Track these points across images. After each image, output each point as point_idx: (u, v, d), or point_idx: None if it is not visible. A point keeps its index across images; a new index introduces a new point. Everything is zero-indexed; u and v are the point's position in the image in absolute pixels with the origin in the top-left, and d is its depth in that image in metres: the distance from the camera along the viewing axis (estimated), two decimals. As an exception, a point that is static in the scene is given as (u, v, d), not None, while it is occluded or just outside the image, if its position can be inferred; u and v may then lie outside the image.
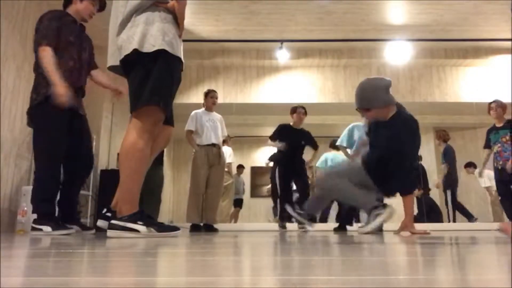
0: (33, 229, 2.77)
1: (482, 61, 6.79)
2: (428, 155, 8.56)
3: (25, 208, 3.77)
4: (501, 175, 4.86)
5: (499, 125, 4.93)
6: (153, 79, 2.08)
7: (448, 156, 6.16)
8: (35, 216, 2.85)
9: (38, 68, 2.89)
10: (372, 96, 2.77)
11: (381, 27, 6.19)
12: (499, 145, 4.89)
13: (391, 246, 1.35)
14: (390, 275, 0.59)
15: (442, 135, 6.23)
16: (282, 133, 5.04)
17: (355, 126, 4.84)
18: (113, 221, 2.05)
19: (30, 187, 4.29)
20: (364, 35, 6.35)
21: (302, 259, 0.86)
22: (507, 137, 4.85)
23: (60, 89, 2.70)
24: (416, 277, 0.57)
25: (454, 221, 6.30)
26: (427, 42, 6.48)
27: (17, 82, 4.49)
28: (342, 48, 6.83)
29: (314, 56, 6.86)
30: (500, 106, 4.91)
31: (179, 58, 2.20)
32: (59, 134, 2.86)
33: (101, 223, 2.49)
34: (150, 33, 2.10)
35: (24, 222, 3.76)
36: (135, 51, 2.08)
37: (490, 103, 5.03)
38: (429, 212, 6.59)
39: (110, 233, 2.02)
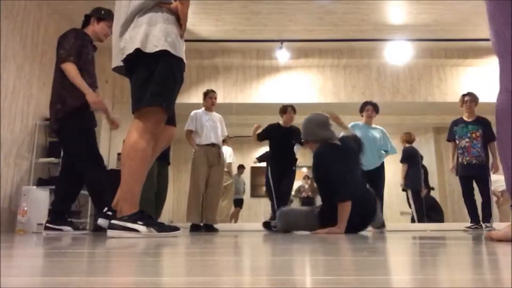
0: (48, 228, 2.93)
1: (482, 61, 6.79)
2: (428, 155, 8.55)
3: (25, 208, 3.78)
4: (466, 171, 4.75)
5: (469, 119, 4.81)
6: (156, 80, 2.09)
7: (403, 157, 6.15)
8: (41, 216, 2.94)
9: (61, 81, 3.07)
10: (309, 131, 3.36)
11: (381, 27, 6.19)
12: (467, 140, 4.75)
13: (391, 246, 1.35)
14: (390, 275, 0.59)
15: (405, 136, 6.25)
16: (271, 132, 5.07)
17: (355, 125, 4.85)
18: (113, 221, 2.05)
19: (30, 187, 4.31)
20: (364, 35, 6.35)
21: (302, 259, 0.86)
22: (478, 133, 4.73)
23: (93, 97, 3.00)
24: (416, 277, 0.57)
25: (419, 221, 6.29)
26: (427, 42, 6.48)
27: (17, 82, 4.49)
28: (342, 48, 6.82)
29: (314, 56, 6.86)
30: (474, 101, 4.83)
31: (182, 59, 2.20)
32: (94, 140, 3.15)
33: (101, 221, 2.49)
34: (153, 34, 2.10)
35: (24, 222, 3.76)
36: (138, 50, 2.09)
37: (464, 95, 4.91)
38: (429, 211, 6.60)
39: (110, 233, 2.02)
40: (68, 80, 3.01)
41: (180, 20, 2.23)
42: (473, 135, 4.76)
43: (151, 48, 2.09)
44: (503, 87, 1.54)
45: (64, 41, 3.09)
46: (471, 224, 4.85)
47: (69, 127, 3.04)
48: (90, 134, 3.14)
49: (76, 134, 3.04)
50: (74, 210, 5.15)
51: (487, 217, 4.72)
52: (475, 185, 4.86)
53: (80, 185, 3.25)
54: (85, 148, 3.04)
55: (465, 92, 5.07)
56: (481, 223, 4.81)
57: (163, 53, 2.10)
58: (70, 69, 2.99)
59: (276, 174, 4.95)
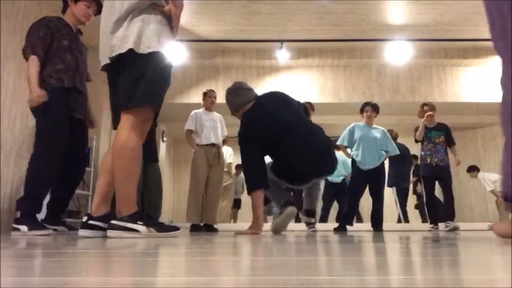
0: (14, 229, 2.68)
1: (482, 61, 6.79)
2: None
3: (25, 208, 3.76)
4: (433, 171, 4.90)
5: (430, 125, 5.03)
6: (148, 80, 2.10)
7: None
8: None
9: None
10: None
11: (381, 27, 6.19)
12: (432, 145, 4.98)
13: (391, 246, 1.35)
14: (390, 275, 0.59)
15: (390, 133, 6.20)
16: None
17: (356, 125, 4.86)
18: (113, 221, 2.05)
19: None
20: (364, 35, 6.35)
21: (302, 259, 0.86)
22: (441, 139, 5.00)
23: (34, 94, 2.83)
24: (416, 277, 0.57)
25: (406, 221, 6.25)
26: (427, 42, 6.48)
27: (17, 82, 4.48)
28: (342, 48, 6.83)
29: (314, 56, 6.86)
30: (433, 109, 5.04)
31: (170, 61, 2.23)
32: (61, 132, 2.88)
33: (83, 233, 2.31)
34: (146, 35, 2.12)
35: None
36: (131, 51, 2.09)
37: (422, 106, 5.13)
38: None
39: (110, 233, 2.02)
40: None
41: (172, 22, 2.25)
42: (437, 140, 5.02)
43: (144, 49, 2.10)
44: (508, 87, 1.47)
45: (28, 35, 2.95)
46: (434, 225, 4.94)
47: (40, 113, 2.88)
48: (60, 127, 2.92)
49: (45, 123, 2.88)
50: (74, 210, 5.15)
51: (451, 216, 4.82)
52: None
53: (74, 183, 3.20)
54: (47, 142, 2.86)
55: (424, 102, 5.27)
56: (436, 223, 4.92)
57: (155, 54, 2.12)
58: (30, 63, 2.85)
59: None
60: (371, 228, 4.67)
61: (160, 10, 2.21)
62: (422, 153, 5.04)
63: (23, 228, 2.62)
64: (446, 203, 4.86)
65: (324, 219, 6.35)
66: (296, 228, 4.99)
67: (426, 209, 5.09)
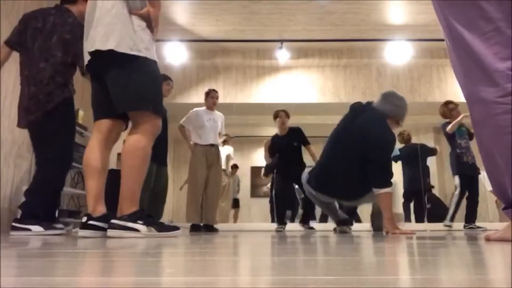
0: (17, 229, 2.62)
1: (482, 61, 6.79)
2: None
3: (25, 208, 3.76)
4: (469, 170, 4.82)
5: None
6: (140, 84, 2.12)
7: (396, 158, 5.90)
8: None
9: (55, 76, 2.96)
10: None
11: (381, 27, 6.19)
12: (465, 141, 4.89)
13: (391, 246, 1.35)
14: (390, 275, 0.59)
15: (402, 137, 6.03)
16: (275, 145, 4.94)
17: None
18: (113, 221, 2.05)
19: (30, 187, 4.28)
20: (364, 35, 6.35)
21: (302, 259, 0.86)
22: (467, 136, 4.94)
23: None
24: (416, 277, 0.57)
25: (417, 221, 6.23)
26: (427, 42, 6.48)
27: (17, 83, 4.48)
28: (342, 48, 6.83)
29: (314, 56, 6.86)
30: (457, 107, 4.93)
31: (156, 61, 2.24)
32: (73, 136, 3.08)
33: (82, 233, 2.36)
34: (128, 38, 2.12)
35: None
36: (112, 51, 2.08)
37: (447, 104, 4.97)
38: (435, 210, 6.53)
39: (110, 232, 2.02)
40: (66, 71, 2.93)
41: (151, 24, 2.24)
42: (467, 136, 4.96)
43: (126, 50, 2.10)
44: (474, 98, 1.39)
45: (76, 40, 2.79)
46: (473, 225, 4.89)
47: (57, 118, 2.90)
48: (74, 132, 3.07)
49: (64, 127, 2.94)
50: (74, 210, 5.15)
51: (474, 218, 4.80)
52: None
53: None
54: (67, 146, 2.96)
55: (448, 100, 5.11)
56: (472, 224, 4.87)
57: (140, 59, 2.13)
58: None
59: (283, 181, 4.84)
60: (371, 228, 4.66)
61: (138, 14, 2.19)
62: (458, 150, 4.86)
63: (37, 228, 2.63)
64: (470, 204, 4.80)
65: (324, 219, 6.35)
66: (296, 228, 4.99)
67: (468, 207, 4.92)
